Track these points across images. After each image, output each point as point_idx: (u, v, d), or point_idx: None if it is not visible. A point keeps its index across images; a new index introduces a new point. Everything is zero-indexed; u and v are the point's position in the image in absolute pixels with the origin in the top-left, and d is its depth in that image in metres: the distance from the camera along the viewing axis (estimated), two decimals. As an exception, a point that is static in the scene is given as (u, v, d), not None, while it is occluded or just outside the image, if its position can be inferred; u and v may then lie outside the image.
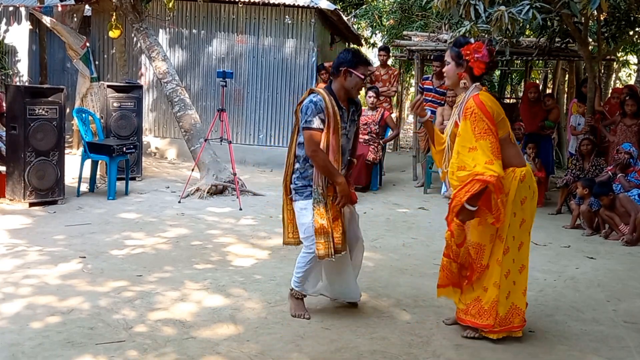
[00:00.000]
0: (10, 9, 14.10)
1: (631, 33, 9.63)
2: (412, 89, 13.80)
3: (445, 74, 4.37)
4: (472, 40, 4.32)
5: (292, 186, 4.46)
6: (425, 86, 10.92)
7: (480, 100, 4.05)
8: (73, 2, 11.94)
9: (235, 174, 8.80)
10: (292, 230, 4.62)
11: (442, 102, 10.47)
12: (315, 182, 4.33)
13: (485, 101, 4.04)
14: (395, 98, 17.50)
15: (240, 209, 8.13)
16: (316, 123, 4.24)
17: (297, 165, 4.44)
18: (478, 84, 4.19)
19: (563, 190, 9.10)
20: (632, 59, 19.21)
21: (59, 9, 11.61)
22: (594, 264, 6.47)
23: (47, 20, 11.58)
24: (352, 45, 18.75)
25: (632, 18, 9.22)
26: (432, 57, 11.35)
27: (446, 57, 4.34)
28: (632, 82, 20.39)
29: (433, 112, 10.61)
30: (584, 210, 7.88)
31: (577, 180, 8.45)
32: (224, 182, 9.08)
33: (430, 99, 10.66)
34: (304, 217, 4.39)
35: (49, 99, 7.70)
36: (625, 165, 8.05)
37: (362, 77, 4.39)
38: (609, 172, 8.21)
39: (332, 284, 4.70)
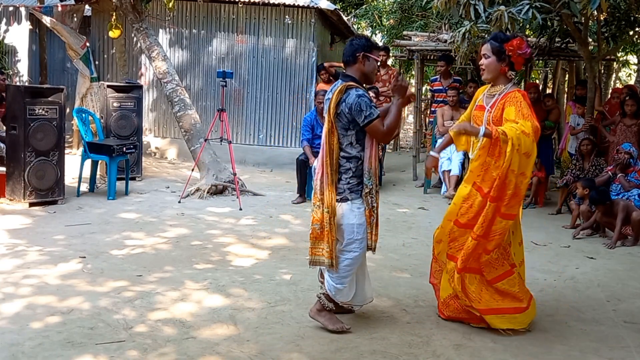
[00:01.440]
0: (10, 9, 14.10)
1: (631, 33, 9.64)
2: (412, 89, 13.82)
3: (484, 68, 4.47)
4: (508, 35, 4.50)
5: (345, 187, 4.20)
6: (435, 88, 10.92)
7: (525, 93, 4.45)
8: (73, 2, 11.94)
9: (235, 174, 8.80)
10: (329, 245, 4.21)
11: None
12: (372, 173, 4.21)
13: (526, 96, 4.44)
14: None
15: (240, 209, 8.13)
16: (376, 112, 4.15)
17: (348, 166, 4.19)
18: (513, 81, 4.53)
19: (563, 190, 9.11)
20: (632, 59, 19.20)
21: (59, 9, 11.62)
22: (594, 264, 6.47)
23: (47, 20, 11.58)
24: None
25: (632, 18, 9.22)
26: (437, 57, 11.31)
27: (484, 51, 4.45)
28: (632, 82, 20.39)
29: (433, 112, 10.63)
30: (584, 210, 7.87)
31: (577, 180, 8.45)
32: (224, 182, 9.08)
33: (441, 99, 10.66)
34: (358, 217, 4.22)
35: (49, 99, 7.70)
36: (625, 165, 8.04)
37: (378, 60, 4.41)
38: (609, 172, 8.20)
39: (360, 289, 4.51)
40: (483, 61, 4.46)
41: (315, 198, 4.25)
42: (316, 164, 4.37)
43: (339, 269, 4.26)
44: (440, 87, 10.78)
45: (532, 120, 4.25)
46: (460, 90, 10.73)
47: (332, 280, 4.30)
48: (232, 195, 8.89)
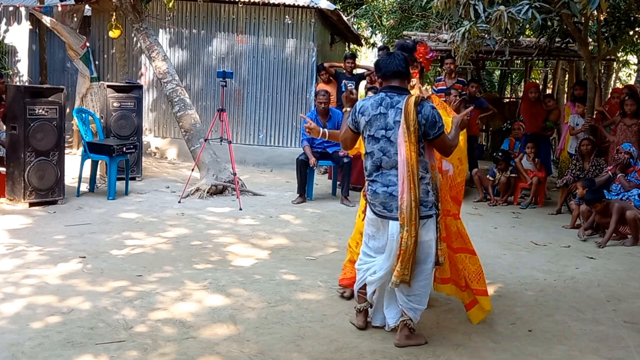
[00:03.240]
0: (10, 9, 14.09)
1: (631, 33, 9.64)
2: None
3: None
4: (410, 43, 4.84)
5: (431, 200, 4.13)
6: (438, 87, 10.89)
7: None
8: (73, 2, 11.94)
9: (235, 174, 8.80)
10: (401, 264, 4.04)
11: None
12: (435, 186, 4.26)
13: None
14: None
15: (240, 209, 8.13)
16: (444, 125, 4.21)
17: (427, 179, 4.13)
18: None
19: (563, 190, 9.11)
20: (632, 59, 19.19)
21: (59, 8, 11.61)
22: (594, 264, 6.47)
23: (47, 20, 11.58)
24: (352, 46, 18.78)
25: (632, 18, 9.23)
26: (443, 56, 11.24)
27: None
28: (632, 82, 20.38)
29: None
30: (583, 210, 7.87)
31: (577, 181, 8.45)
32: (224, 182, 9.07)
33: (444, 99, 10.61)
34: (436, 232, 4.21)
35: (49, 99, 7.70)
36: (625, 165, 8.05)
37: None
38: (609, 172, 8.21)
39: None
40: None
41: (402, 218, 4.02)
42: (401, 187, 4.08)
43: (418, 288, 4.14)
44: (444, 87, 10.75)
45: None
46: (463, 92, 10.70)
47: (413, 302, 4.17)
48: (232, 195, 8.89)
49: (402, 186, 4.02)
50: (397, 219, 4.04)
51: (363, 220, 4.49)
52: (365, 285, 4.34)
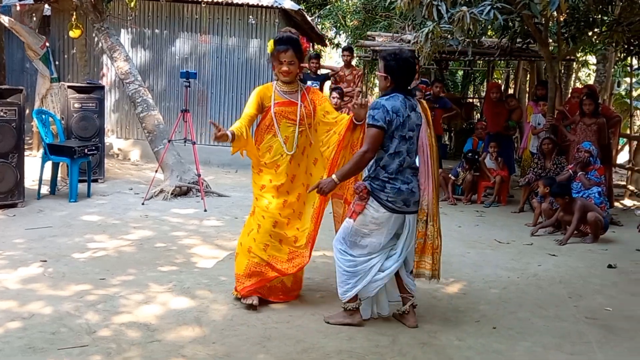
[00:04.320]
0: (-33, 8, 13.78)
1: (590, 34, 9.81)
2: (376, 89, 13.89)
3: (291, 71, 4.82)
4: (294, 36, 4.93)
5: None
6: None
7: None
8: (32, 1, 11.73)
9: (199, 175, 8.74)
10: (432, 257, 4.41)
11: None
12: None
13: None
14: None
15: (205, 210, 8.07)
16: None
17: None
18: None
19: (525, 188, 9.24)
20: (591, 59, 19.54)
21: (18, 8, 11.39)
22: (556, 261, 6.57)
23: (5, 19, 11.33)
24: (316, 46, 18.79)
25: (590, 19, 9.39)
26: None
27: (290, 58, 4.82)
28: (591, 82, 20.75)
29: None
30: (545, 208, 8.00)
31: (539, 179, 8.58)
32: (188, 183, 9.00)
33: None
34: None
35: (8, 100, 7.55)
36: (585, 164, 8.18)
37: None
38: (570, 170, 8.34)
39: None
40: (289, 67, 4.79)
41: (422, 213, 4.31)
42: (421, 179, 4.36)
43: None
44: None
45: None
46: (427, 92, 10.78)
47: (414, 284, 4.54)
48: (197, 196, 8.82)
49: (424, 184, 4.28)
50: (414, 212, 4.33)
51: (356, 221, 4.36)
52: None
